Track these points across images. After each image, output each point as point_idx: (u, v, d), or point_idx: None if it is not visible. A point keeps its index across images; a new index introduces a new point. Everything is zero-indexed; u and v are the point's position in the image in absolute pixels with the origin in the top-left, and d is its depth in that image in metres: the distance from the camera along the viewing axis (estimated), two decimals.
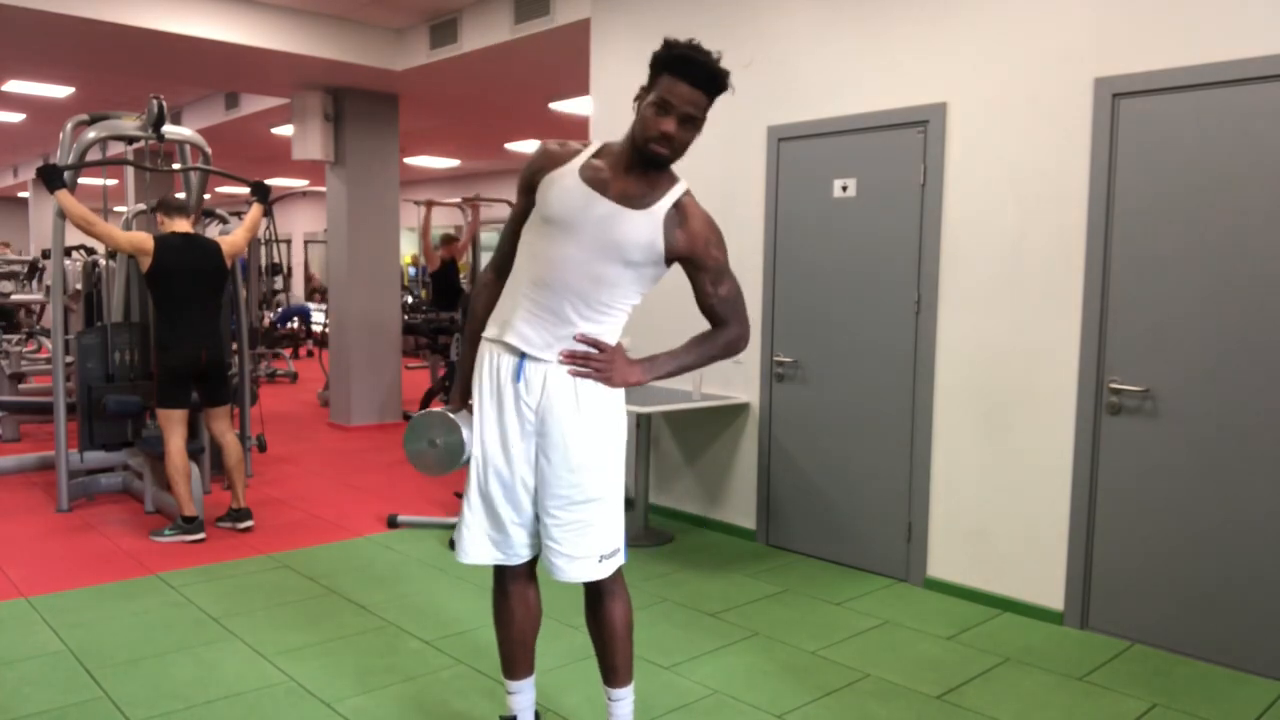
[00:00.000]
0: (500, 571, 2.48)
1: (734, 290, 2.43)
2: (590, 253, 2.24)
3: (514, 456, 2.33)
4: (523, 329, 2.28)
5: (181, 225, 4.84)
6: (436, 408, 2.44)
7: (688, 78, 2.19)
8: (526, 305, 2.29)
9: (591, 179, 2.27)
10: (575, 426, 2.30)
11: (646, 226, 2.25)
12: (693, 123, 2.22)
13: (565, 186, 2.27)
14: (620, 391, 2.39)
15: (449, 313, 8.88)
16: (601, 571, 2.37)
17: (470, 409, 2.40)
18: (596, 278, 2.25)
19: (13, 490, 5.71)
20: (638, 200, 2.26)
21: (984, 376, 3.91)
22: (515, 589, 2.48)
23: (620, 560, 2.43)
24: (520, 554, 2.42)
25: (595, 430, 2.32)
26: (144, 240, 4.72)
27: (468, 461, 2.38)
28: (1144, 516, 3.50)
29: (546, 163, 2.34)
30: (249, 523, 4.94)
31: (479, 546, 2.41)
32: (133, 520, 5.09)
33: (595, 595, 2.46)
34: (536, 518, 2.39)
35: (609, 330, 2.34)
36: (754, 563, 4.48)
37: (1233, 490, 3.29)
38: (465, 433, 2.35)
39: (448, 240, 9.58)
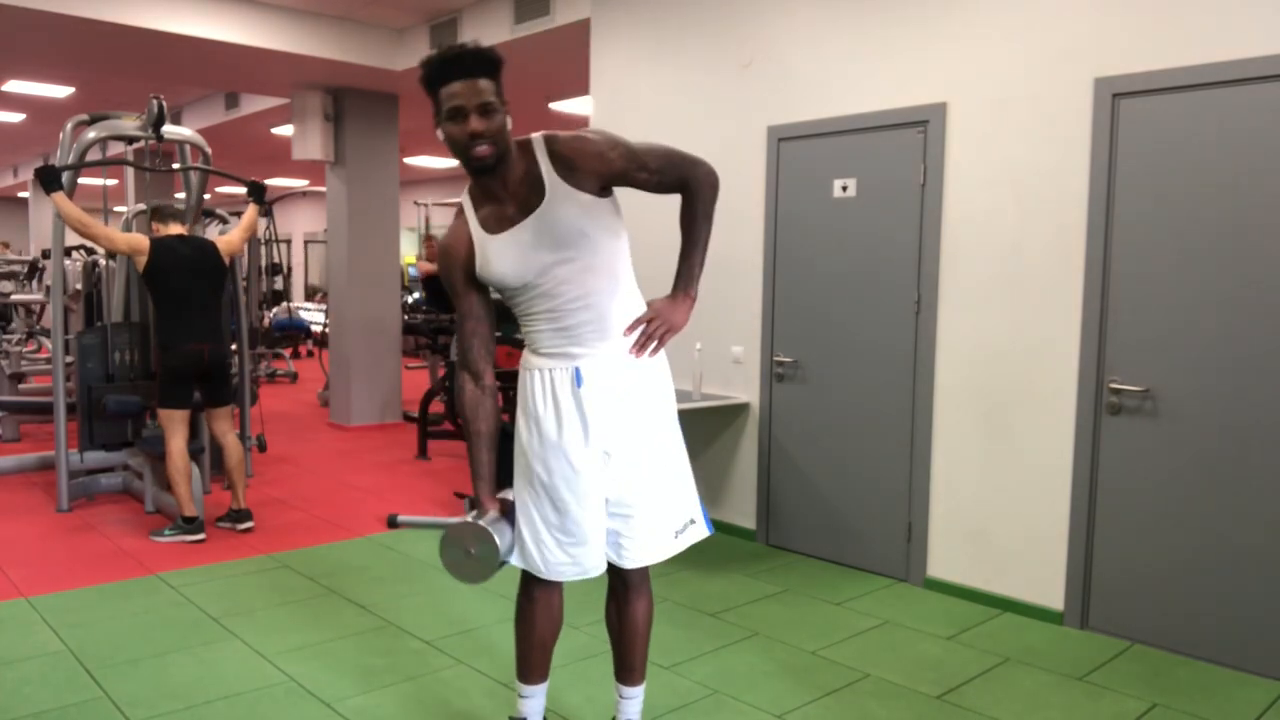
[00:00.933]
0: (530, 578, 2.44)
1: (662, 154, 2.28)
2: (562, 265, 2.22)
3: (582, 466, 2.30)
4: (573, 351, 2.28)
5: (175, 229, 4.87)
6: (466, 518, 2.35)
7: (454, 75, 2.13)
8: (564, 339, 2.27)
9: (494, 222, 2.22)
10: (633, 417, 2.31)
11: (561, 202, 2.19)
12: (490, 108, 2.12)
13: (495, 252, 2.22)
14: (666, 366, 2.41)
15: (447, 314, 8.88)
16: (678, 546, 2.40)
17: (502, 508, 2.36)
18: (584, 269, 2.24)
19: (13, 490, 5.71)
20: (534, 194, 2.20)
21: (984, 376, 3.91)
22: (543, 594, 2.45)
23: (703, 531, 2.45)
24: (599, 565, 2.37)
25: (648, 419, 2.34)
26: (140, 241, 4.72)
27: (503, 564, 2.35)
28: (1144, 516, 3.50)
29: (457, 255, 2.28)
30: (249, 524, 4.94)
31: (560, 563, 2.35)
32: (133, 520, 5.09)
33: (623, 590, 2.47)
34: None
35: (629, 293, 2.33)
36: (754, 563, 4.48)
37: (1233, 490, 3.29)
38: (498, 540, 2.29)
39: (433, 240, 9.57)
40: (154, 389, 4.90)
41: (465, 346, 2.35)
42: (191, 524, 4.72)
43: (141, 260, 4.69)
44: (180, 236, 4.85)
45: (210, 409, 4.97)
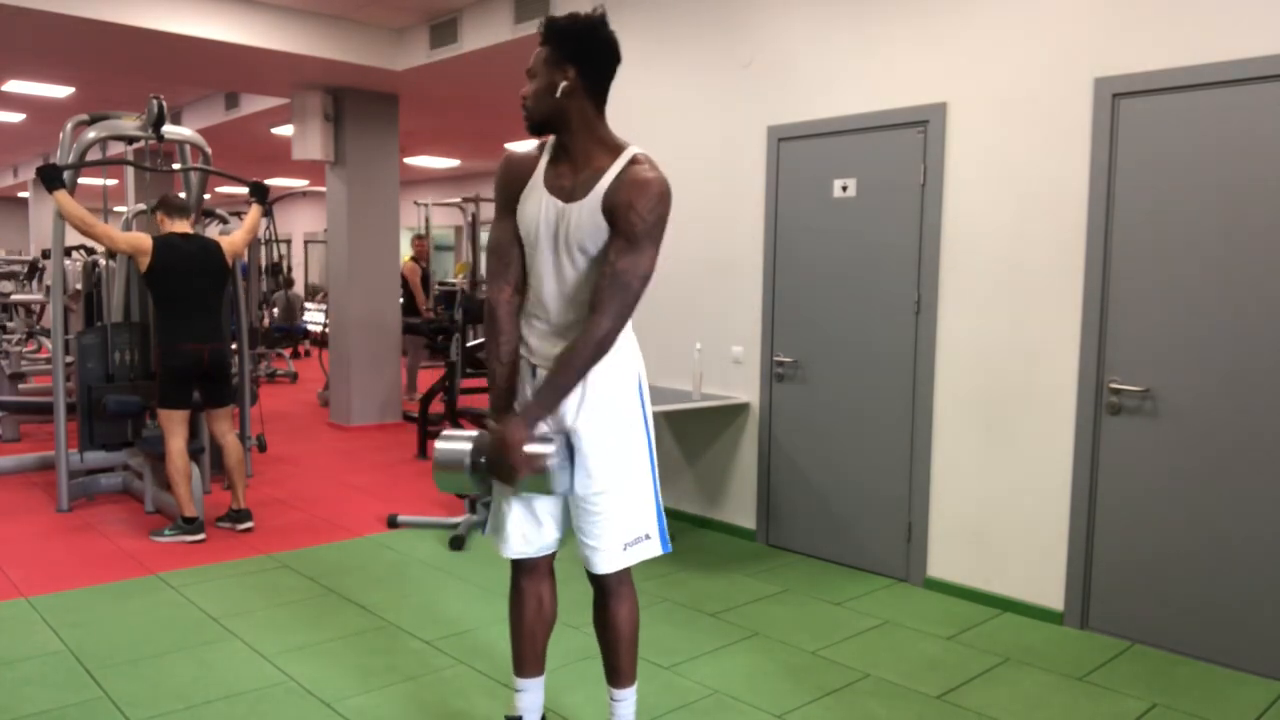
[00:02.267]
0: (518, 567, 2.50)
1: (634, 273, 2.18)
2: (562, 256, 2.26)
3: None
4: (532, 344, 2.36)
5: (181, 226, 4.83)
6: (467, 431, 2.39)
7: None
8: (532, 322, 2.36)
9: (553, 183, 2.29)
10: (583, 421, 2.32)
11: (588, 214, 2.22)
12: (532, 73, 2.26)
13: (533, 200, 2.29)
14: (633, 385, 2.38)
15: (413, 315, 8.90)
16: (627, 560, 2.40)
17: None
18: (575, 275, 2.27)
19: (13, 490, 5.71)
20: (583, 188, 2.24)
21: (984, 376, 3.91)
22: (529, 585, 2.50)
23: (653, 549, 2.44)
24: (547, 546, 2.45)
25: (603, 423, 2.34)
26: (142, 240, 4.71)
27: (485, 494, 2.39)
28: (1144, 516, 3.50)
29: (513, 178, 2.34)
30: (249, 524, 4.93)
31: (516, 540, 2.43)
32: (133, 520, 5.09)
33: (602, 595, 2.48)
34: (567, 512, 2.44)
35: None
36: (754, 563, 4.48)
37: (1233, 490, 3.29)
38: (440, 444, 2.34)
39: (417, 240, 9.54)
40: (154, 389, 4.89)
41: (501, 254, 2.38)
42: (191, 524, 4.72)
43: (144, 260, 4.66)
44: (184, 235, 4.82)
45: (210, 409, 4.96)
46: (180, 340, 4.71)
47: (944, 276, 4.01)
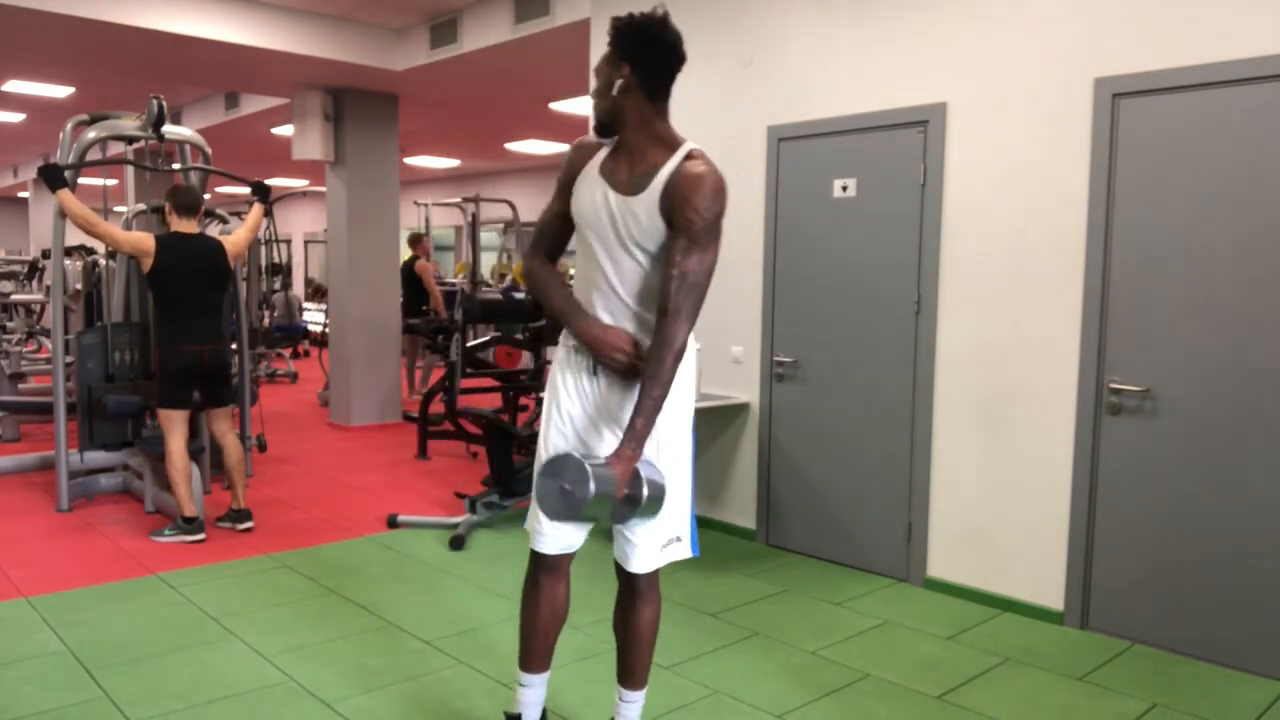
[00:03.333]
0: (540, 562, 2.48)
1: (701, 271, 2.21)
2: (618, 249, 2.29)
3: (591, 444, 2.37)
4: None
5: (188, 225, 4.80)
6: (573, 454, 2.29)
7: None
8: (589, 307, 2.35)
9: (609, 167, 2.33)
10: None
11: (642, 212, 2.25)
12: (596, 73, 2.32)
13: (589, 189, 2.33)
14: (692, 385, 2.42)
15: (416, 312, 8.88)
16: (662, 560, 2.42)
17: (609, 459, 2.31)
18: (631, 269, 2.29)
19: (13, 490, 5.70)
20: (638, 183, 2.27)
21: (984, 376, 3.91)
22: (546, 581, 2.48)
23: (684, 552, 2.45)
24: (573, 544, 2.45)
25: (665, 422, 2.32)
26: (145, 241, 4.70)
27: (590, 519, 2.33)
28: (1144, 516, 3.50)
29: (575, 165, 2.39)
30: (249, 523, 4.94)
31: (551, 536, 2.41)
32: (133, 520, 5.09)
33: (631, 594, 2.48)
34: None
35: (647, 321, 2.34)
36: (754, 563, 4.48)
37: (1232, 490, 3.29)
38: (593, 486, 2.15)
39: (416, 239, 9.52)
40: (154, 389, 4.89)
41: (547, 228, 2.47)
42: (191, 524, 4.72)
43: (147, 261, 4.66)
44: (188, 235, 4.80)
45: (210, 409, 4.97)
46: (181, 341, 4.70)
47: (944, 276, 4.01)
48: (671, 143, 2.29)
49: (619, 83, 2.26)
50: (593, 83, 2.34)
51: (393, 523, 5.06)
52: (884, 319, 4.21)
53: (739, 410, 4.83)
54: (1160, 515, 3.46)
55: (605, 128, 2.32)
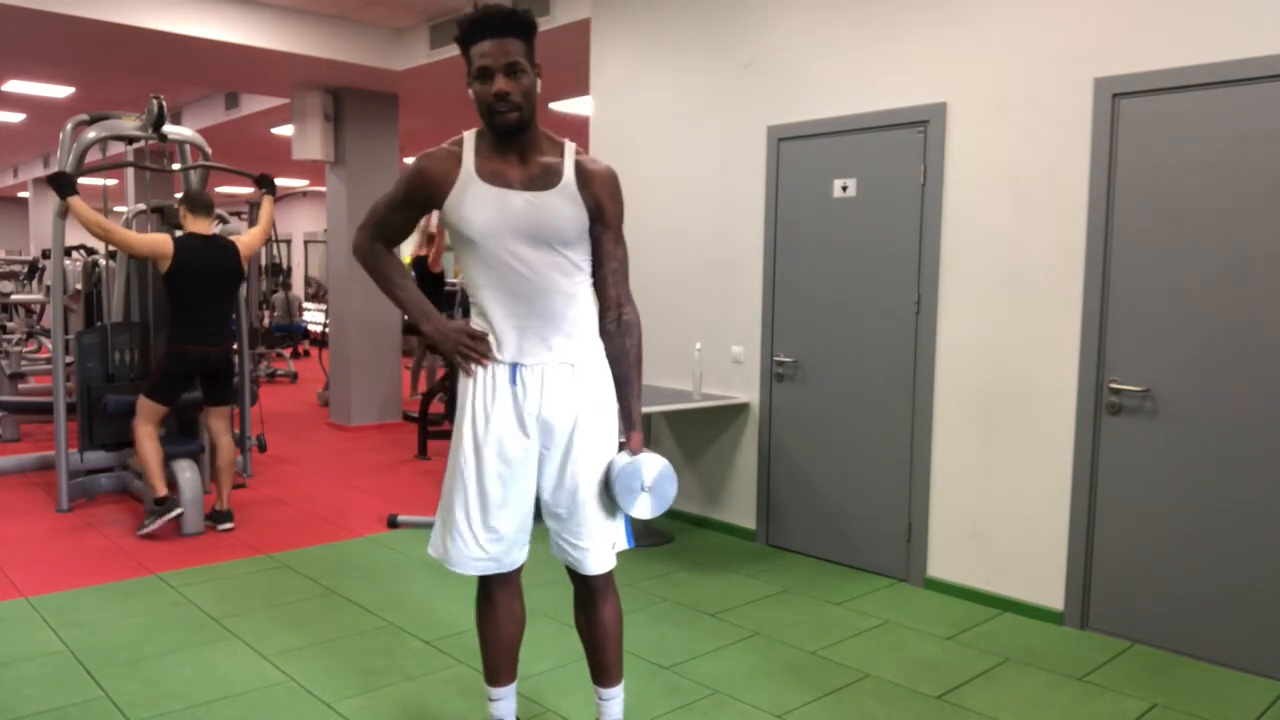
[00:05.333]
0: (488, 580, 2.45)
1: (627, 260, 2.39)
2: (529, 248, 2.23)
3: (514, 460, 2.31)
4: (510, 343, 2.29)
5: (203, 226, 4.83)
6: (631, 456, 2.36)
7: (485, 34, 2.14)
8: (503, 319, 2.28)
9: (489, 173, 2.22)
10: (580, 423, 2.32)
11: (567, 204, 2.24)
12: (518, 68, 2.15)
13: (475, 196, 2.21)
14: (611, 385, 2.40)
15: (432, 297, 8.89)
16: (612, 557, 2.40)
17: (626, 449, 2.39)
18: (546, 265, 2.25)
19: (13, 490, 5.71)
20: (542, 180, 2.24)
21: (984, 376, 3.91)
22: (503, 597, 2.46)
23: (623, 543, 2.44)
24: (516, 560, 2.42)
25: (595, 425, 2.34)
26: (162, 243, 4.72)
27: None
28: (1144, 516, 3.50)
29: (434, 182, 2.25)
30: (229, 524, 4.95)
31: (473, 559, 2.36)
32: (133, 520, 5.08)
33: (589, 595, 2.46)
34: (535, 520, 2.39)
35: (581, 311, 2.33)
36: (754, 563, 4.48)
37: (1233, 490, 3.29)
38: (664, 460, 2.36)
39: (430, 240, 9.54)
40: (150, 379, 4.88)
41: (388, 217, 2.38)
42: (163, 504, 4.73)
43: (165, 262, 4.68)
44: (203, 238, 4.82)
45: (210, 407, 4.98)
46: (190, 342, 4.73)
47: (944, 276, 4.01)
48: (551, 137, 2.30)
49: (539, 80, 2.22)
50: (517, 80, 2.16)
51: (393, 523, 5.06)
52: (884, 319, 4.21)
53: (739, 410, 4.83)
54: (1160, 515, 3.46)
55: (518, 130, 2.20)
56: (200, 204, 4.87)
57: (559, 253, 2.25)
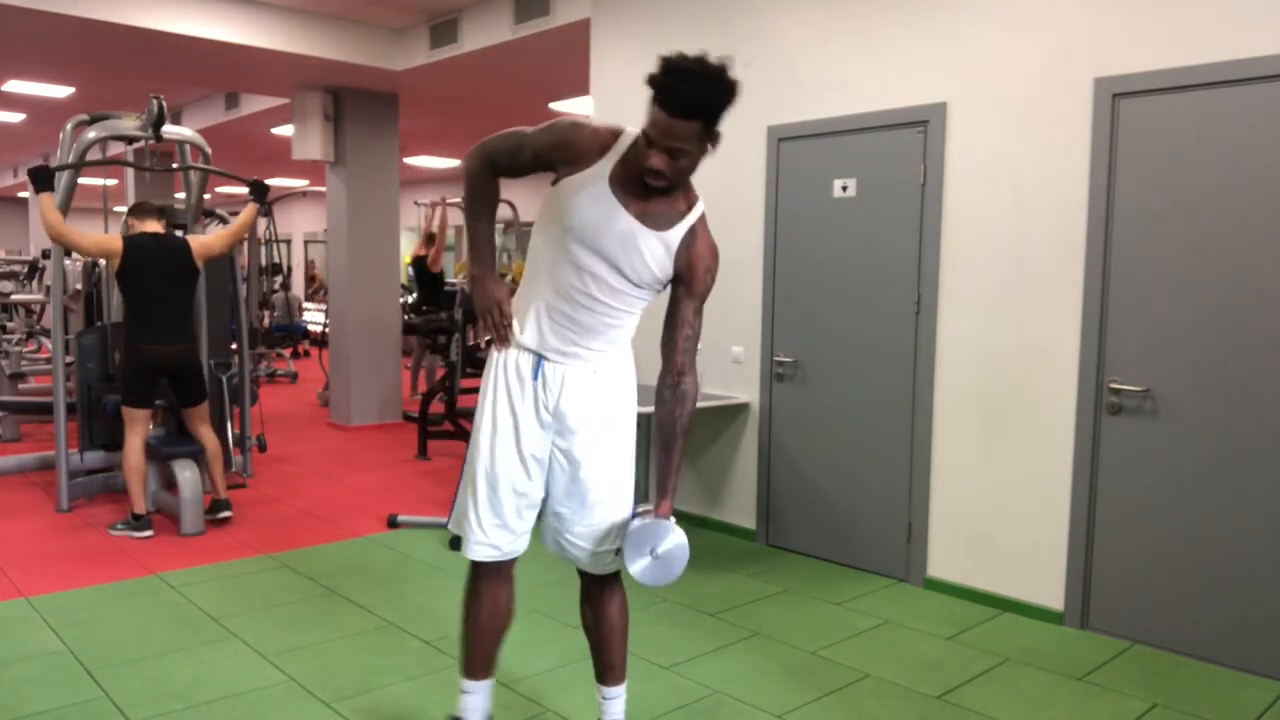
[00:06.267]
0: (479, 569, 2.45)
1: (701, 328, 2.36)
2: (605, 266, 2.23)
3: (528, 449, 2.33)
4: (543, 335, 2.31)
5: (152, 226, 4.88)
6: (639, 517, 2.36)
7: (666, 108, 2.03)
8: (546, 312, 2.30)
9: (621, 188, 2.19)
10: (596, 427, 2.34)
11: (661, 251, 2.24)
12: (679, 154, 2.08)
13: (594, 194, 2.19)
14: (633, 394, 2.42)
15: (435, 304, 8.90)
16: (618, 563, 2.41)
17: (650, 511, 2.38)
18: (613, 291, 2.26)
19: (13, 490, 5.70)
20: (657, 219, 2.22)
21: (984, 376, 3.91)
22: (489, 589, 2.46)
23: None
24: (517, 548, 2.42)
25: (611, 431, 2.35)
26: (109, 242, 4.76)
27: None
28: (1144, 516, 3.50)
29: (574, 154, 2.21)
30: (227, 513, 4.98)
31: (477, 543, 2.38)
32: None
33: (598, 592, 2.47)
34: (541, 512, 2.41)
35: (624, 333, 2.36)
36: (754, 563, 4.48)
37: (1233, 490, 3.29)
38: (683, 535, 2.33)
39: (430, 239, 9.56)
40: (120, 386, 4.90)
41: (508, 151, 2.31)
42: (139, 521, 4.75)
43: (115, 261, 4.72)
44: (155, 235, 4.85)
45: (184, 410, 4.99)
46: (143, 341, 4.74)
47: (944, 276, 4.01)
48: (690, 192, 2.27)
49: (701, 157, 2.14)
50: (675, 160, 2.09)
51: (393, 523, 5.06)
52: (884, 319, 4.21)
53: (739, 410, 4.83)
54: (1160, 515, 3.46)
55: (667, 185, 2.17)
56: (146, 210, 4.93)
57: (627, 287, 2.25)
